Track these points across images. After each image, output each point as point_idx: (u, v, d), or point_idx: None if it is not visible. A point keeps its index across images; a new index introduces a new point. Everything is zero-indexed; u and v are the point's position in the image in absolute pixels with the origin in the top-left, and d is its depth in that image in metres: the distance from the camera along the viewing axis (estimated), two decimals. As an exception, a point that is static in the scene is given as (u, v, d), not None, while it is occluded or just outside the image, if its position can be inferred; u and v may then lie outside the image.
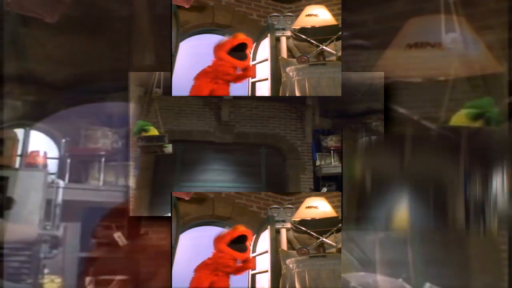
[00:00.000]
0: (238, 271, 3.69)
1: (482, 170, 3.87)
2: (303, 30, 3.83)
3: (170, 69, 3.76)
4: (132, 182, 4.15)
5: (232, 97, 4.20)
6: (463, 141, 3.85)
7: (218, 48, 3.73)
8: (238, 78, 3.73)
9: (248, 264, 3.70)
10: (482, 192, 3.85)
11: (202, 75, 3.71)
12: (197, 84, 3.71)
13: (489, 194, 3.85)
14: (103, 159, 4.44)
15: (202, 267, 3.68)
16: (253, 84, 3.80)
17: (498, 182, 3.87)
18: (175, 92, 3.75)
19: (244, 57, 3.73)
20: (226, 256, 3.68)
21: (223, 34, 3.78)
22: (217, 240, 3.70)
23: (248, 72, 3.73)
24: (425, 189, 3.91)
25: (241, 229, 3.72)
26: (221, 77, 3.70)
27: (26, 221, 3.97)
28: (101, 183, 4.42)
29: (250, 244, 3.72)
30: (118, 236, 4.08)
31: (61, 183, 4.19)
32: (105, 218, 4.14)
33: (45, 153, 4.19)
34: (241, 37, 3.74)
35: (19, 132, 4.12)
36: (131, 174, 4.19)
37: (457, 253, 3.94)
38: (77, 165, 4.43)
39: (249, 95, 3.81)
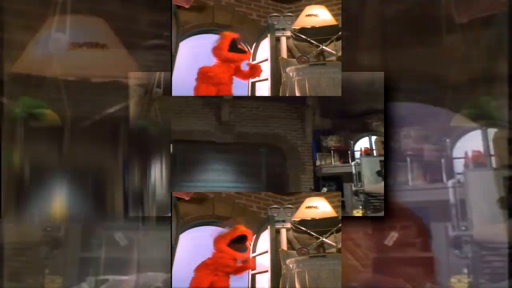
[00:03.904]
0: (238, 271, 3.69)
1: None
2: (303, 30, 3.83)
3: (170, 69, 3.77)
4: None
5: (232, 97, 4.20)
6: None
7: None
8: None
9: (248, 264, 3.70)
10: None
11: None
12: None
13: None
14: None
15: (202, 267, 3.68)
16: (253, 84, 3.80)
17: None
18: (175, 92, 3.76)
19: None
20: (226, 256, 3.68)
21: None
22: (217, 240, 3.70)
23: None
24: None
25: (241, 229, 3.72)
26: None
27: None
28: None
29: (250, 244, 3.72)
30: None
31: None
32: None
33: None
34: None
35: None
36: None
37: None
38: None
39: (249, 95, 3.81)
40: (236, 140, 4.42)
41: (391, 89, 3.89)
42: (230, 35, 3.77)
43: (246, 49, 3.77)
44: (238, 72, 3.75)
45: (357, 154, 4.33)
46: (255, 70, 3.78)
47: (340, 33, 3.80)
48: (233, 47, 3.74)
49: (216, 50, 3.76)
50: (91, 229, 3.99)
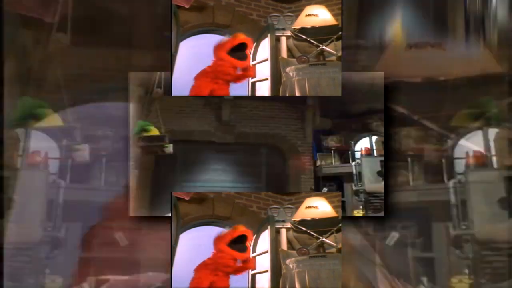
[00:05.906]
0: (238, 271, 3.69)
1: None
2: (303, 30, 3.83)
3: (170, 69, 3.77)
4: (132, 182, 4.15)
5: (232, 97, 4.20)
6: None
7: (218, 48, 3.74)
8: (238, 78, 3.74)
9: (248, 264, 3.70)
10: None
11: (202, 75, 3.73)
12: (197, 84, 3.72)
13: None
14: (104, 160, 4.43)
15: (202, 267, 3.68)
16: (253, 84, 3.80)
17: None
18: (175, 92, 3.76)
19: (244, 57, 3.74)
20: (226, 256, 3.68)
21: (223, 34, 3.79)
22: (217, 240, 3.70)
23: (248, 72, 3.74)
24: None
25: (241, 229, 3.72)
26: (221, 77, 3.71)
27: (27, 222, 3.97)
28: (102, 183, 4.41)
29: (250, 244, 3.72)
30: (119, 236, 4.08)
31: (63, 183, 4.19)
32: (106, 218, 4.14)
33: (46, 153, 4.19)
34: (241, 37, 3.75)
35: (20, 132, 4.12)
36: (131, 174, 4.19)
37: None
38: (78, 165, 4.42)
39: (249, 95, 3.81)
40: (236, 140, 4.42)
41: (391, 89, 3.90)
42: (242, 39, 3.77)
43: (250, 57, 3.78)
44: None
45: (358, 154, 4.33)
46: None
47: (340, 33, 3.80)
48: (237, 50, 3.74)
49: (216, 47, 3.77)
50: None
